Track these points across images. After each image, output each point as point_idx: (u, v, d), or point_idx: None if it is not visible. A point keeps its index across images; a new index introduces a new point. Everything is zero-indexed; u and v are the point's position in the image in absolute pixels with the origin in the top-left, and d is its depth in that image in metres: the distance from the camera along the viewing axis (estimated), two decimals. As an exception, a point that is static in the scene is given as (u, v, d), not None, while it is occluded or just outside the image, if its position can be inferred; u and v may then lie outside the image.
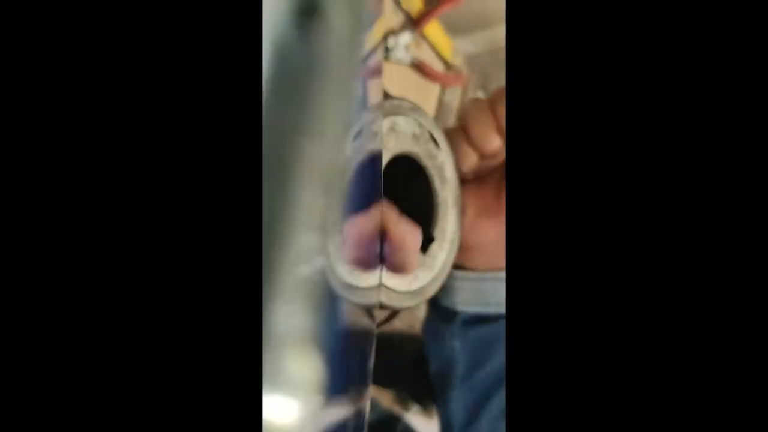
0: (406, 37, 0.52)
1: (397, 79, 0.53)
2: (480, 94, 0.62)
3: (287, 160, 0.23)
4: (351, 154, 0.22)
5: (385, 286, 0.28)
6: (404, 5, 0.52)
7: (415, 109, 0.30)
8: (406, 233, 0.29)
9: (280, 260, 0.20)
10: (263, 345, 0.18)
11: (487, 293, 0.35)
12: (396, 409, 0.57)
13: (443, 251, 0.31)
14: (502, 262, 0.34)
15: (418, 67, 0.54)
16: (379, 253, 0.27)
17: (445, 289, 0.34)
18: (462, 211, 0.32)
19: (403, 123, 0.28)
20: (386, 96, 0.29)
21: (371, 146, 0.25)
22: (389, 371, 0.57)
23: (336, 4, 0.18)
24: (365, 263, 0.25)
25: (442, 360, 0.40)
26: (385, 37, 0.51)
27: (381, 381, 0.60)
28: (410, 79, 0.55)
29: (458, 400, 0.39)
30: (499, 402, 0.36)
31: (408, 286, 0.29)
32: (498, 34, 0.59)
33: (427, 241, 0.30)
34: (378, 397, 0.61)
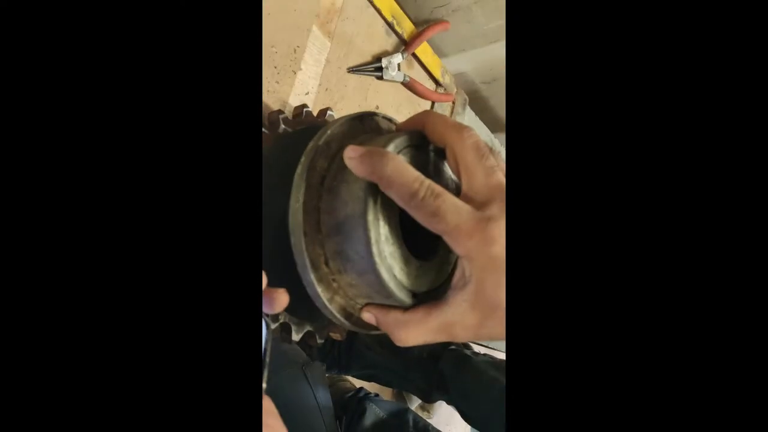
0: (398, 58, 0.56)
1: (391, 97, 0.57)
2: (468, 109, 0.66)
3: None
4: None
5: None
6: (397, 29, 0.56)
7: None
8: None
9: None
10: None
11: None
12: (402, 404, 0.61)
13: None
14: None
15: (410, 86, 0.58)
16: None
17: None
18: None
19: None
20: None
21: None
22: (394, 370, 0.60)
23: None
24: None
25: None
26: (379, 59, 0.54)
27: (384, 379, 0.63)
28: (403, 97, 0.58)
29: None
30: None
31: None
32: (484, 53, 0.63)
33: None
34: (381, 394, 0.64)
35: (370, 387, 0.65)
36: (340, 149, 0.27)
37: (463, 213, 0.22)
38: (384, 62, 0.55)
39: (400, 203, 0.23)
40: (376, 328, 0.27)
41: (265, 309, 0.25)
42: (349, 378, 0.67)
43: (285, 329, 0.30)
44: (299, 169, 0.26)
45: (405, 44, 0.57)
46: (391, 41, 0.57)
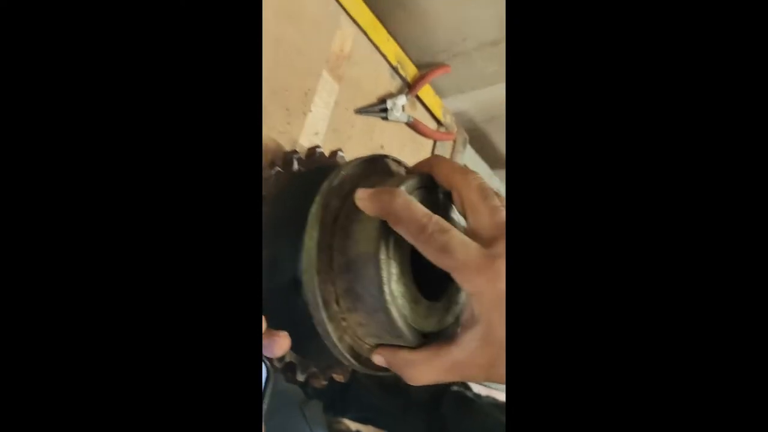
0: (402, 100, 0.57)
1: (395, 137, 0.58)
2: (468, 148, 0.68)
3: None
4: None
5: None
6: (401, 72, 0.58)
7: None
8: None
9: None
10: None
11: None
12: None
13: None
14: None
15: (414, 126, 0.59)
16: None
17: None
18: None
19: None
20: None
21: None
22: (392, 413, 0.58)
23: None
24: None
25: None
26: (384, 100, 0.56)
27: (382, 422, 0.61)
28: (407, 136, 0.60)
29: None
30: None
31: None
32: (483, 94, 0.65)
33: None
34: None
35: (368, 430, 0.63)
36: (353, 189, 0.28)
37: (471, 249, 0.22)
38: (389, 104, 0.56)
39: (409, 238, 0.24)
40: (384, 369, 0.27)
41: (266, 352, 0.25)
42: (345, 421, 0.65)
43: (290, 369, 0.29)
44: (313, 208, 0.26)
45: (409, 87, 0.59)
46: (396, 84, 0.59)
